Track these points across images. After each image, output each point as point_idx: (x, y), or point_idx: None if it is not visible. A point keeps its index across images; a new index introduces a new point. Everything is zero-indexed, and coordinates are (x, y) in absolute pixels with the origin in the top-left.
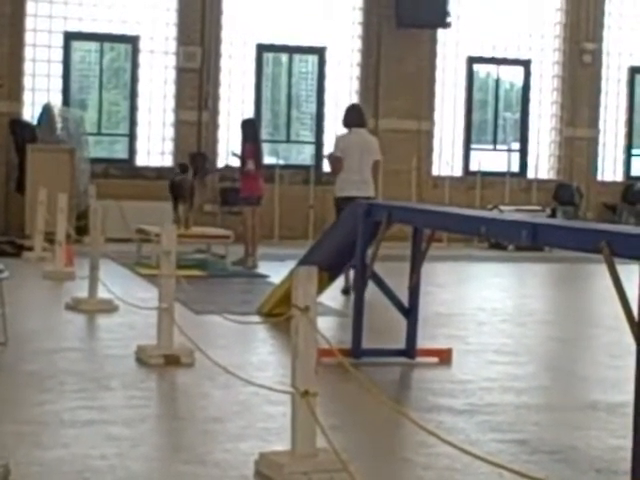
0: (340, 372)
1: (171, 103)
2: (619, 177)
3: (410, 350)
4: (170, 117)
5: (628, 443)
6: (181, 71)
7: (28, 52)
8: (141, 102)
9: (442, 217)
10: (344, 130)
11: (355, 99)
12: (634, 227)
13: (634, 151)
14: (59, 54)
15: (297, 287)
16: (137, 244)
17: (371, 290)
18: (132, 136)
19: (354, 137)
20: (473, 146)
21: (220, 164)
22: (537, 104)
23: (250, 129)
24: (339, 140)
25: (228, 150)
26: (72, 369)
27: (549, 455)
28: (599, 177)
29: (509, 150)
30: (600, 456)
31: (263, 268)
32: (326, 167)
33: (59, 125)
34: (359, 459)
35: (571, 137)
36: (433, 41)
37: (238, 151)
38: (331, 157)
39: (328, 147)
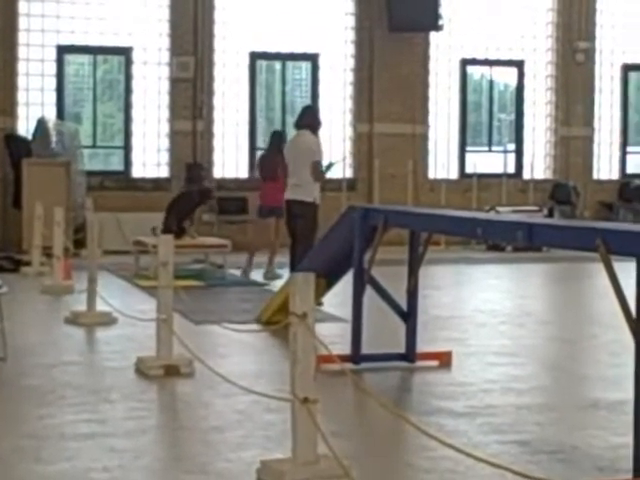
0: (340, 378)
1: (165, 113)
2: (615, 175)
3: (410, 354)
4: (165, 128)
5: (630, 441)
6: (175, 81)
7: (21, 66)
8: (135, 113)
9: (438, 220)
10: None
11: (349, 104)
12: (629, 224)
13: (629, 148)
14: (52, 68)
15: (295, 294)
16: (135, 256)
17: (369, 295)
18: (127, 148)
19: (291, 140)
20: (468, 148)
21: (216, 174)
22: (531, 104)
23: (275, 140)
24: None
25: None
26: (72, 382)
27: (551, 455)
28: (595, 176)
29: (505, 151)
30: (602, 455)
31: (260, 276)
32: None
33: (54, 139)
34: (361, 465)
35: (566, 136)
36: (426, 44)
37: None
38: None
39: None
